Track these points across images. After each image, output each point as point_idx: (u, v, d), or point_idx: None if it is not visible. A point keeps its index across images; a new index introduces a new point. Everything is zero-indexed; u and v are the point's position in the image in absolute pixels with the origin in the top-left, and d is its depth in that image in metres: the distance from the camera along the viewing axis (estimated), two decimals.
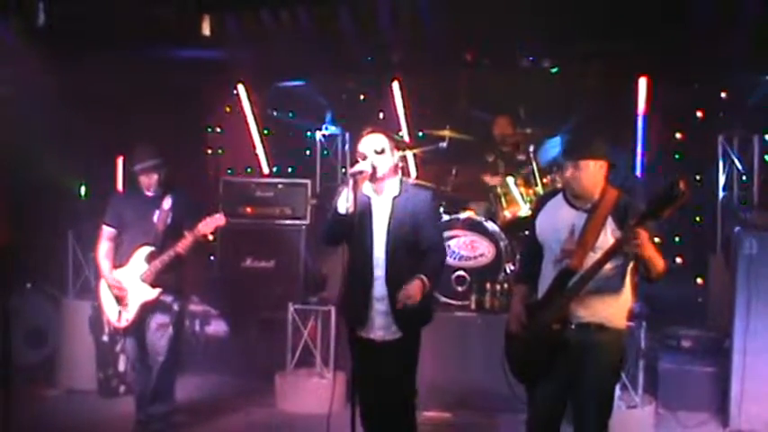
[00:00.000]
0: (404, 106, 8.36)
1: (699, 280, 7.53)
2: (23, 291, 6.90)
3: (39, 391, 6.38)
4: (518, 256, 6.42)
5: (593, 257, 3.71)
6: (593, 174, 3.80)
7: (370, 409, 4.27)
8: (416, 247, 4.19)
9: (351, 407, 3.99)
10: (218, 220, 5.16)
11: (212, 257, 7.63)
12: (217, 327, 7.27)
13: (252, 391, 6.38)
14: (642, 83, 7.64)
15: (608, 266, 3.72)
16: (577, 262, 3.73)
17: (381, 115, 8.49)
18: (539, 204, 4.15)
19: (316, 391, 5.97)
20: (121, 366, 6.32)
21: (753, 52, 6.62)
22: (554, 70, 7.56)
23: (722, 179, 7.28)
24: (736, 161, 7.25)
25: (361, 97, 8.62)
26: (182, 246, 5.10)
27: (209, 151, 9.25)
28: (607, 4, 6.35)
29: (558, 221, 3.89)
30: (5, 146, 6.20)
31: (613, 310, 3.82)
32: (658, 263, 3.67)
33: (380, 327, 4.20)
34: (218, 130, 9.14)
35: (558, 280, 3.80)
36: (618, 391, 5.13)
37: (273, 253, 7.15)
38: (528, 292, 4.03)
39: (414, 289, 4.01)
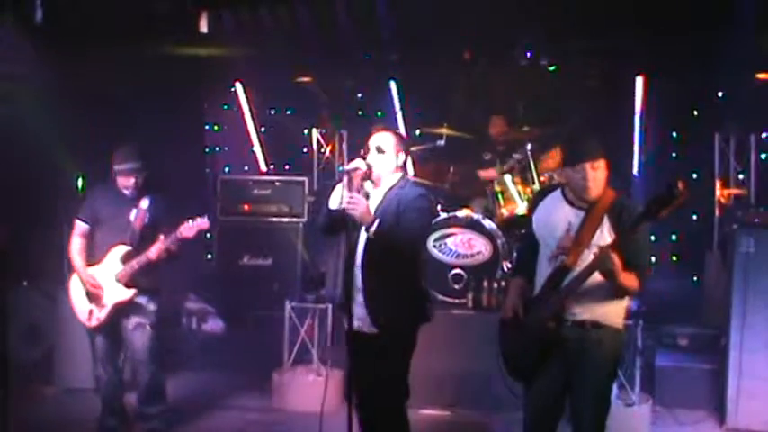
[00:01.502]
0: (401, 104, 8.37)
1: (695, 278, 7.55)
2: (20, 288, 6.88)
3: (36, 389, 6.37)
4: (514, 252, 6.46)
5: (588, 255, 3.72)
6: (604, 173, 3.82)
7: (362, 403, 4.26)
8: (396, 244, 4.10)
9: (347, 404, 3.98)
10: (202, 223, 5.10)
11: (209, 255, 7.66)
12: (214, 324, 7.27)
13: (249, 389, 6.37)
14: (639, 81, 7.67)
15: None
16: (573, 259, 3.75)
17: (379, 113, 8.50)
18: (536, 200, 4.15)
19: (313, 388, 5.96)
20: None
21: (750, 51, 6.65)
22: (552, 68, 7.57)
23: (719, 177, 7.31)
24: (733, 159, 7.28)
25: (359, 95, 8.62)
26: (154, 251, 5.06)
27: (207, 149, 9.23)
28: (605, 2, 6.36)
29: (555, 218, 3.90)
30: (1, 142, 6.19)
31: (609, 307, 3.82)
32: (629, 286, 3.70)
33: (358, 317, 4.18)
34: (216, 127, 9.11)
35: (553, 277, 3.82)
36: (615, 389, 5.16)
37: (271, 250, 7.16)
38: (524, 285, 4.03)
39: (359, 201, 4.00)
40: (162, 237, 5.08)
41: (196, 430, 5.62)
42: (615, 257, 3.56)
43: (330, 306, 6.04)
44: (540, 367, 3.86)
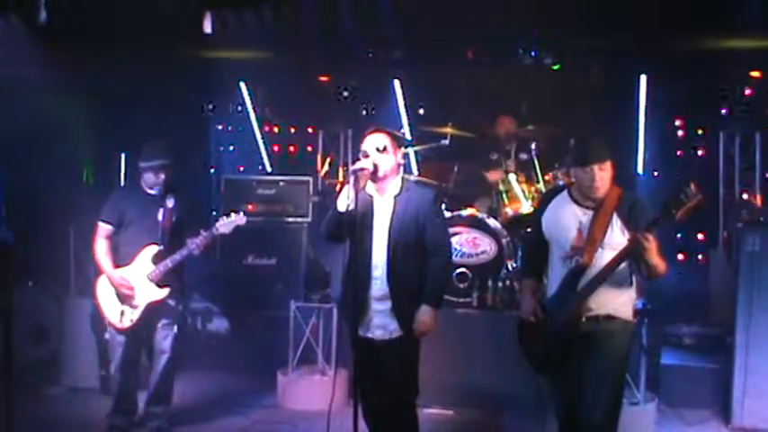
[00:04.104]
0: (405, 104, 8.36)
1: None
2: (25, 289, 6.89)
3: (41, 389, 6.37)
4: (519, 252, 6.46)
5: (601, 254, 3.87)
6: (611, 174, 3.96)
7: (371, 406, 4.29)
8: (419, 247, 4.21)
9: (353, 404, 3.99)
10: (239, 219, 5.17)
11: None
12: (218, 324, 7.27)
13: (253, 389, 6.38)
14: (643, 80, 7.65)
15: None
16: (588, 259, 3.88)
17: (383, 113, 8.48)
18: (543, 201, 4.26)
19: (317, 388, 5.97)
20: None
21: (754, 48, 6.65)
22: (556, 67, 7.55)
23: (723, 176, 7.30)
24: (738, 158, 7.26)
25: (363, 94, 8.60)
26: (198, 246, 5.08)
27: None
28: (608, 1, 6.35)
29: (565, 219, 4.02)
30: (7, 143, 6.20)
31: (621, 302, 3.96)
32: (660, 266, 3.83)
33: (378, 326, 4.22)
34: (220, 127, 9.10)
35: (569, 277, 3.94)
36: None
37: (275, 251, 7.15)
38: (537, 285, 4.19)
39: (426, 322, 4.16)
40: (202, 231, 5.12)
41: (201, 430, 5.62)
42: (651, 237, 3.71)
43: (335, 306, 6.04)
44: (562, 362, 4.03)
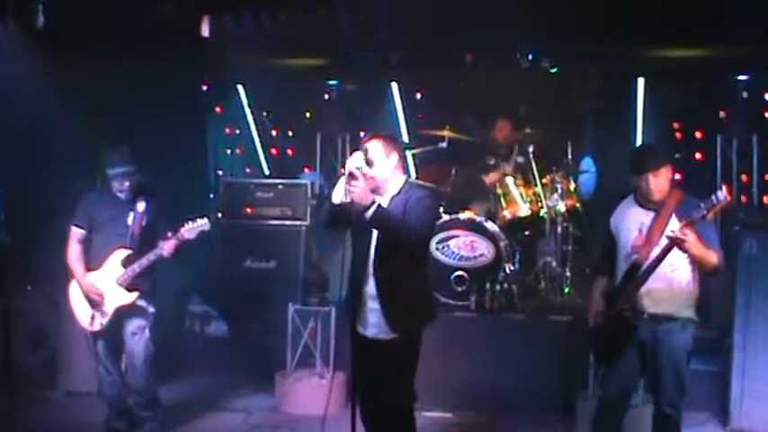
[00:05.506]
0: (403, 107, 8.37)
1: None
2: (23, 292, 6.88)
3: (39, 393, 6.37)
4: (517, 253, 6.62)
5: (658, 252, 4.19)
6: (667, 178, 4.29)
7: (368, 409, 4.28)
8: (406, 247, 4.10)
9: (351, 407, 3.99)
10: (203, 225, 5.12)
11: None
12: (217, 327, 7.26)
13: (252, 392, 6.39)
14: (641, 83, 7.67)
15: (675, 259, 4.17)
16: (644, 256, 4.23)
17: (380, 116, 8.49)
18: (614, 206, 4.63)
19: (316, 391, 5.97)
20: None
21: (752, 52, 6.66)
22: (553, 70, 7.57)
23: (721, 178, 7.31)
24: (735, 160, 7.27)
25: (361, 98, 8.61)
26: (167, 249, 5.07)
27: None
28: (606, 4, 6.37)
29: (628, 220, 4.40)
30: (5, 147, 6.20)
31: (679, 301, 4.28)
32: (709, 260, 4.16)
33: (373, 324, 4.21)
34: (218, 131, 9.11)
35: (628, 272, 4.31)
36: None
37: (273, 254, 7.15)
38: (605, 282, 4.55)
39: (359, 183, 3.94)
40: (170, 234, 5.10)
41: None
42: (690, 231, 4.01)
43: (333, 309, 6.05)
44: (618, 352, 4.38)
